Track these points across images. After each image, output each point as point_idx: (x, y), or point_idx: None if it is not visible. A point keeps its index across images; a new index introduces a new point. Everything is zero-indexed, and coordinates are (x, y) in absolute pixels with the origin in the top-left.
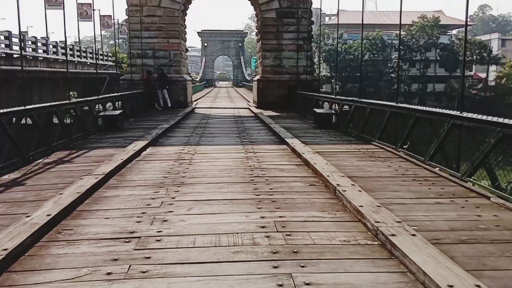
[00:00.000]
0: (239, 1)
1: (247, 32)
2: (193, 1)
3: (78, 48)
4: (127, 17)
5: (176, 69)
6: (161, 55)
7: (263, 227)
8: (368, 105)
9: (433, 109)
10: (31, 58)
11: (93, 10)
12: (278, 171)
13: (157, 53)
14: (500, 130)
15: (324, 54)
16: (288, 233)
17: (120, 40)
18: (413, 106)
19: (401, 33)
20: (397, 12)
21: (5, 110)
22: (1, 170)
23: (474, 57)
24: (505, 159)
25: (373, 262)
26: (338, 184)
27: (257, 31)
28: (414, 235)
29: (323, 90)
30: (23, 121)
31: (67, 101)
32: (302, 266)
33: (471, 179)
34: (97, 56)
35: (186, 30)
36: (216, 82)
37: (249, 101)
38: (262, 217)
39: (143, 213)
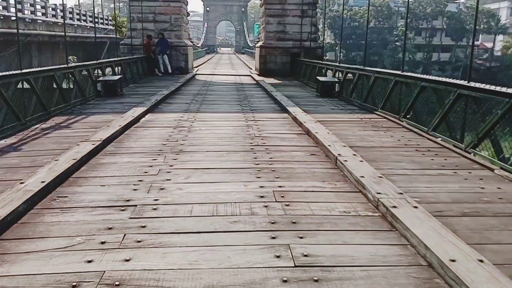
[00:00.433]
0: None
1: None
2: None
3: (77, 12)
4: None
5: (177, 34)
6: (162, 19)
7: (261, 196)
8: (372, 73)
9: (440, 78)
10: (29, 21)
11: None
12: (279, 140)
13: (157, 17)
14: (508, 101)
15: (328, 20)
16: (287, 203)
17: (121, 4)
18: (418, 75)
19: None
20: None
21: (0, 74)
22: None
23: (482, 26)
24: None
25: (373, 234)
26: (339, 154)
27: None
28: (416, 207)
29: (327, 58)
30: (20, 86)
31: (65, 65)
32: (301, 237)
33: (475, 151)
34: (97, 20)
35: None
36: (218, 48)
37: (251, 68)
38: (261, 187)
39: (140, 181)
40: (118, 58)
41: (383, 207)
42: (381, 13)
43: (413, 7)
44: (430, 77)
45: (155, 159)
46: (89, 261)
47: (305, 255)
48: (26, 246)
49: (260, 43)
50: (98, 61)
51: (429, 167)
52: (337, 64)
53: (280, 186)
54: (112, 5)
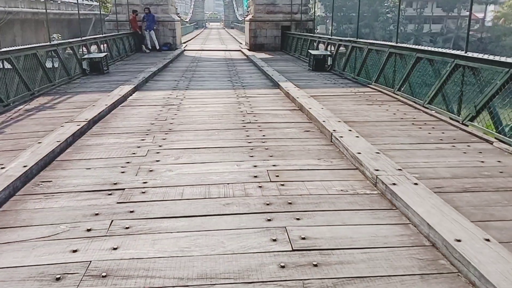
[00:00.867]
0: None
1: None
2: None
3: None
4: None
5: (163, 8)
6: None
7: (255, 176)
8: (365, 45)
9: (436, 49)
10: None
11: None
12: (271, 117)
13: None
14: (508, 71)
15: None
16: (282, 183)
17: None
18: (414, 46)
19: None
20: None
21: None
22: None
23: None
24: (511, 102)
25: (372, 213)
26: (334, 130)
27: None
28: (416, 183)
29: (318, 31)
30: (0, 66)
31: (48, 43)
32: (297, 219)
33: (473, 123)
34: None
35: None
36: (206, 23)
37: (241, 43)
38: (255, 166)
39: (128, 162)
40: (103, 35)
41: (382, 184)
42: None
43: None
44: (426, 48)
45: (143, 139)
46: (74, 251)
47: (303, 238)
48: (7, 236)
49: (249, 17)
50: (82, 38)
51: (426, 141)
52: (329, 36)
53: (274, 165)
54: None
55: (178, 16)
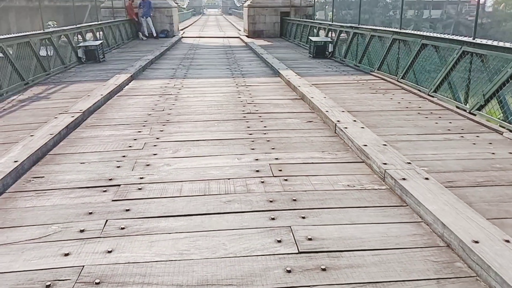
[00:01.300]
0: None
1: None
2: None
3: None
4: None
5: None
6: None
7: (257, 171)
8: (368, 31)
9: (442, 35)
10: None
11: None
12: (272, 107)
13: None
14: None
15: None
16: (285, 178)
17: None
18: (418, 32)
19: None
20: None
21: None
22: None
23: None
24: None
25: (382, 210)
26: (338, 121)
27: None
28: (427, 178)
29: (317, 17)
30: None
31: (41, 31)
32: (303, 217)
33: (481, 113)
34: None
35: None
36: (204, 10)
37: (239, 30)
38: (256, 160)
39: (124, 156)
40: (99, 22)
41: (390, 179)
42: None
43: None
44: (432, 34)
45: (140, 131)
46: (66, 254)
47: (309, 239)
48: None
49: (248, 3)
50: (77, 25)
51: (434, 132)
52: (329, 23)
53: (276, 159)
54: None
55: (175, 3)
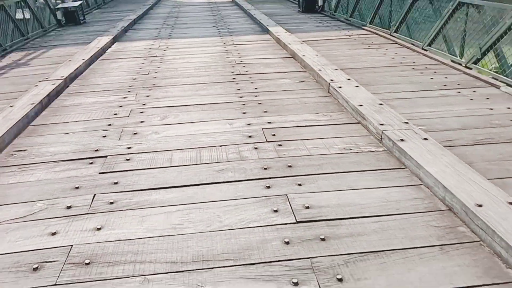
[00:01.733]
0: None
1: None
2: None
3: None
4: None
5: None
6: None
7: (250, 136)
8: None
9: None
10: None
11: None
12: (263, 67)
13: None
14: None
15: None
16: (279, 142)
17: None
18: None
19: None
20: None
21: None
22: None
23: None
24: None
25: (380, 174)
26: (331, 80)
27: None
28: (426, 138)
29: None
30: None
31: None
32: (299, 185)
33: (477, 66)
34: None
35: None
36: None
37: None
38: (248, 124)
39: (109, 125)
40: None
41: (388, 140)
42: None
43: None
44: None
45: (125, 97)
46: (53, 234)
47: (307, 207)
48: None
49: None
50: None
51: (430, 88)
52: None
53: (269, 122)
54: None
55: None
